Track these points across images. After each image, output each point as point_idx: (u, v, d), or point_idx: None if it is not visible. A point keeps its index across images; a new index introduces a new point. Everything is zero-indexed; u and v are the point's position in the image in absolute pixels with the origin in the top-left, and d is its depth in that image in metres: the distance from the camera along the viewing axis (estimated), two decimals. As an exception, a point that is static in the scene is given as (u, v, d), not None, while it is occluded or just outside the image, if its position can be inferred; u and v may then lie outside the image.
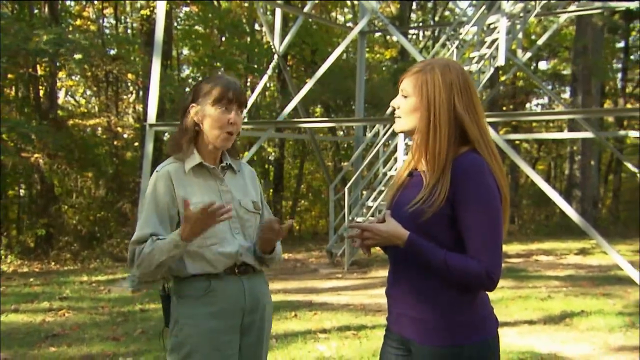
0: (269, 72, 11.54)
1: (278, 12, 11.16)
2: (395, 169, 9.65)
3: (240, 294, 2.11)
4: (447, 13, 21.45)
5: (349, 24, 18.04)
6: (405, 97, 1.80)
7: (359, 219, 9.69)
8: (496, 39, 9.19)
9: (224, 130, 2.09)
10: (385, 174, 10.05)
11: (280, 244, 2.27)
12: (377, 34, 19.01)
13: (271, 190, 16.46)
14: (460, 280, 1.70)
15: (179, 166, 2.10)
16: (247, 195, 2.21)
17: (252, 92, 13.64)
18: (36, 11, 12.75)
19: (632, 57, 20.76)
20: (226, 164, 2.19)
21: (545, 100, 22.56)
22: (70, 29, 12.42)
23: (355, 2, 17.04)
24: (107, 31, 15.89)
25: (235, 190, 2.18)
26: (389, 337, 1.90)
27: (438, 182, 1.71)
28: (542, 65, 22.98)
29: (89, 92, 16.25)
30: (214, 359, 2.04)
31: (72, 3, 14.76)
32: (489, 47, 9.50)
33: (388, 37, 19.71)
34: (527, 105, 21.98)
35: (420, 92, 1.76)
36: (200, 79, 15.72)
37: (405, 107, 1.80)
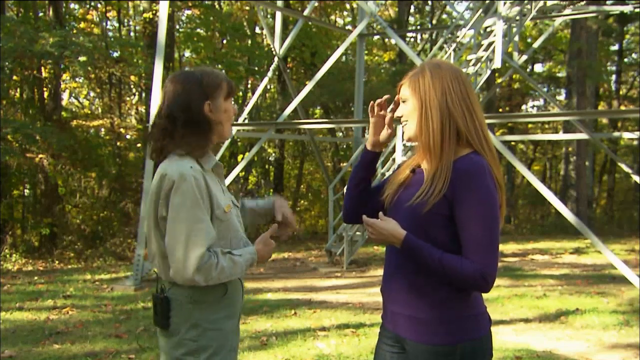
0: (270, 74, 11.62)
1: (278, 15, 11.25)
2: (394, 170, 9.76)
3: (241, 293, 2.12)
4: (444, 16, 21.59)
5: (348, 27, 18.11)
6: (405, 101, 1.85)
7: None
8: (493, 42, 9.22)
9: (232, 122, 2.10)
10: (383, 175, 10.16)
11: None
12: (376, 37, 19.09)
13: (271, 190, 16.58)
14: (456, 280, 1.71)
15: (198, 165, 2.00)
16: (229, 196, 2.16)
17: (253, 93, 13.79)
18: (41, 14, 12.83)
19: (626, 60, 21.00)
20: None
21: (541, 102, 22.80)
22: (74, 32, 12.50)
23: (355, 6, 17.17)
24: (111, 34, 16.00)
25: (226, 190, 2.14)
26: (383, 335, 1.91)
27: (436, 180, 1.74)
28: (538, 67, 23.17)
29: (92, 94, 16.34)
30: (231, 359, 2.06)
31: (76, 6, 14.84)
32: (486, 49, 9.55)
33: (386, 40, 19.80)
34: (523, 107, 22.15)
35: (414, 93, 1.80)
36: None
37: (407, 111, 1.84)
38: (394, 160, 9.83)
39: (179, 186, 1.91)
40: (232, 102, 2.08)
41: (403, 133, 1.93)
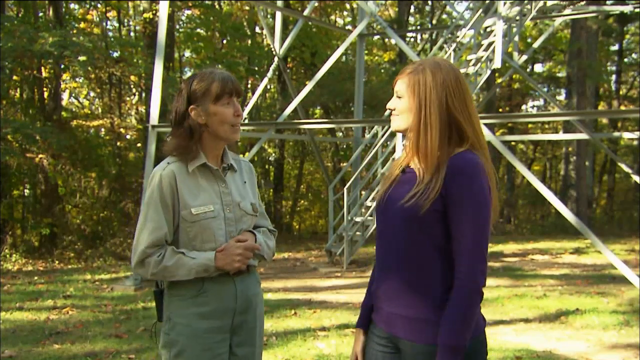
0: (270, 74, 11.62)
1: (278, 15, 11.26)
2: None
3: (232, 295, 2.09)
4: (444, 16, 21.61)
5: (348, 27, 18.13)
6: (400, 97, 1.83)
7: (358, 219, 9.83)
8: (493, 42, 9.23)
9: (231, 124, 2.08)
10: (383, 175, 10.17)
11: (274, 240, 2.30)
12: (376, 37, 19.09)
13: (271, 190, 16.61)
14: (474, 312, 1.72)
15: (181, 165, 2.06)
16: (245, 197, 2.18)
17: (253, 94, 13.80)
18: (41, 14, 12.85)
19: (625, 60, 21.01)
20: (228, 164, 2.17)
21: (541, 102, 22.80)
22: (74, 32, 12.51)
23: (355, 6, 17.18)
24: (111, 34, 16.03)
25: (235, 192, 2.15)
26: (374, 334, 1.89)
27: (432, 179, 1.73)
28: (538, 67, 23.17)
29: (92, 94, 16.38)
30: (205, 359, 2.05)
31: (76, 6, 14.85)
32: (486, 49, 9.56)
33: (386, 40, 19.81)
34: (523, 107, 22.16)
35: (412, 92, 1.78)
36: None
37: (400, 108, 1.82)
38: (393, 160, 9.84)
39: (149, 184, 2.07)
40: (228, 104, 2.06)
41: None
